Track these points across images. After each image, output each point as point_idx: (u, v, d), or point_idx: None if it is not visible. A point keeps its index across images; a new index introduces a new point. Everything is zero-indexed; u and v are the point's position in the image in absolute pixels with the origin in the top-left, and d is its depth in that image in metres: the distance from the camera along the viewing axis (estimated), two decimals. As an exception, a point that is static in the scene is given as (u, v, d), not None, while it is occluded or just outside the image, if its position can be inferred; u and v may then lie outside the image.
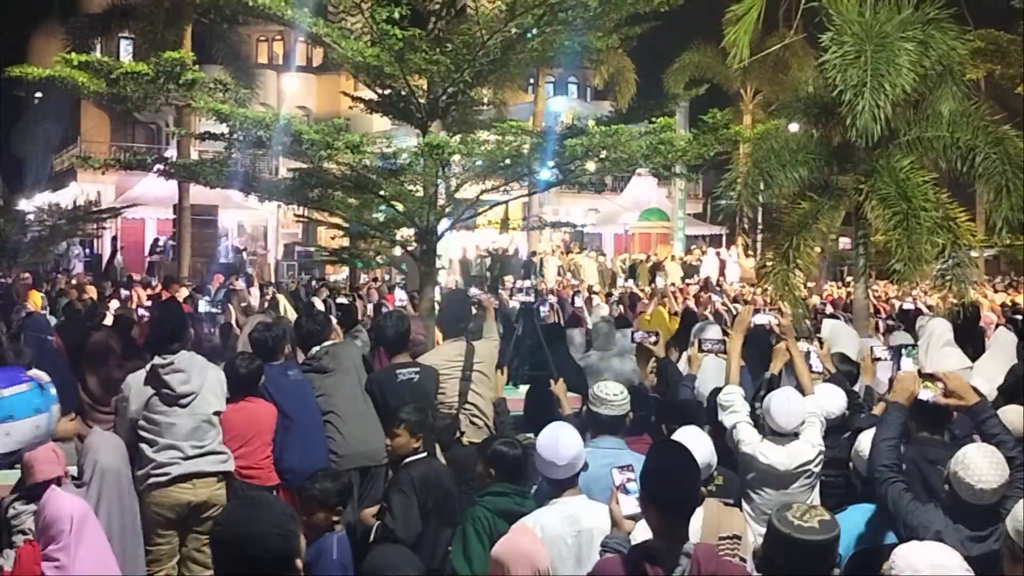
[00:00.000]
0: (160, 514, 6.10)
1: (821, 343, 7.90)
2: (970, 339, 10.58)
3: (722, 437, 6.00)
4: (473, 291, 11.50)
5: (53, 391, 4.95)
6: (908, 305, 16.56)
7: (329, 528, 5.28)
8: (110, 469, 5.46)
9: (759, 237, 30.08)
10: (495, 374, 7.59)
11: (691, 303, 17.60)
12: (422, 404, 6.24)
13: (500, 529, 4.94)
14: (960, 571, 3.40)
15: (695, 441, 4.89)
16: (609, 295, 21.05)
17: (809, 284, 18.42)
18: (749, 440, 5.86)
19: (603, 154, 10.23)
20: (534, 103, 36.55)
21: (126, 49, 35.15)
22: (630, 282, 27.67)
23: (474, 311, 8.99)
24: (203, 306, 11.53)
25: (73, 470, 5.71)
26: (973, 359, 9.42)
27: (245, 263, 30.82)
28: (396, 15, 9.25)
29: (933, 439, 5.53)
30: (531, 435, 6.52)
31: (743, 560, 5.11)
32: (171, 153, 24.48)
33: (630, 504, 4.15)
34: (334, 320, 9.40)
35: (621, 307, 17.67)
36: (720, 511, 5.09)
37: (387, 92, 10.78)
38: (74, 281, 21.51)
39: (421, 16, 10.32)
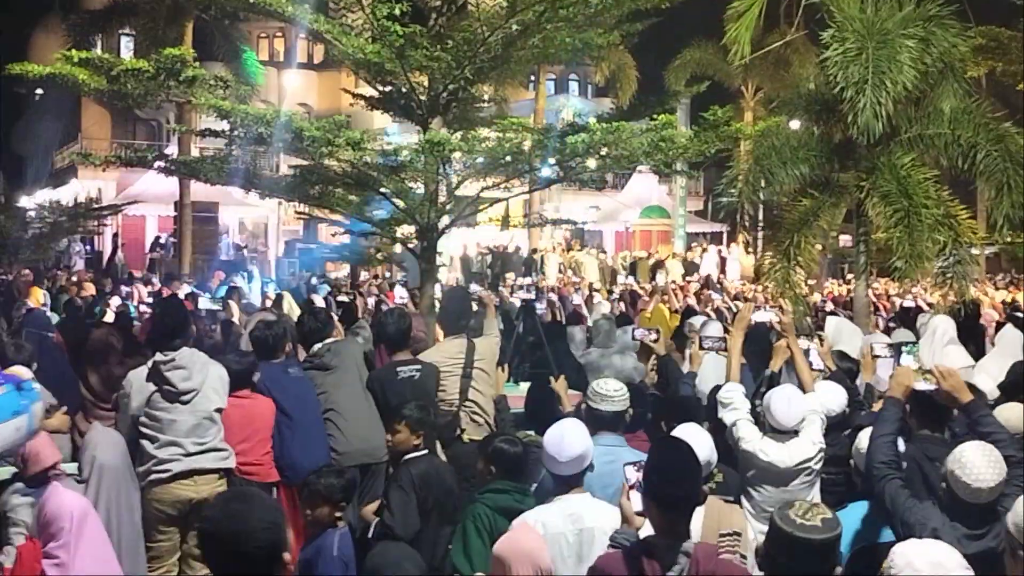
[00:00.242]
0: (161, 511, 6.10)
1: (821, 340, 7.89)
2: (971, 337, 10.58)
3: (722, 434, 6.00)
4: (474, 288, 11.47)
5: (36, 388, 4.91)
6: (909, 303, 16.55)
7: (332, 524, 5.27)
8: (109, 465, 5.46)
9: (760, 234, 30.10)
10: (496, 371, 7.59)
11: (692, 301, 17.60)
12: (423, 402, 6.24)
13: (500, 526, 4.94)
14: (959, 569, 3.39)
15: (695, 438, 4.88)
16: (610, 292, 21.05)
17: (810, 282, 18.41)
18: (749, 437, 5.86)
19: (604, 151, 10.24)
20: (535, 100, 36.52)
21: (127, 46, 35.13)
22: (631, 279, 27.62)
23: (475, 308, 8.98)
24: (204, 303, 11.53)
25: (72, 467, 5.71)
26: (974, 357, 9.42)
27: (246, 260, 30.82)
28: (397, 11, 9.26)
29: (934, 436, 5.53)
30: (531, 432, 6.54)
31: (743, 557, 5.11)
32: (172, 150, 24.46)
33: (641, 501, 4.15)
34: (335, 317, 9.40)
35: (622, 304, 17.67)
36: (720, 508, 5.09)
37: (388, 89, 10.78)
38: (75, 278, 21.51)
39: (422, 13, 10.32)
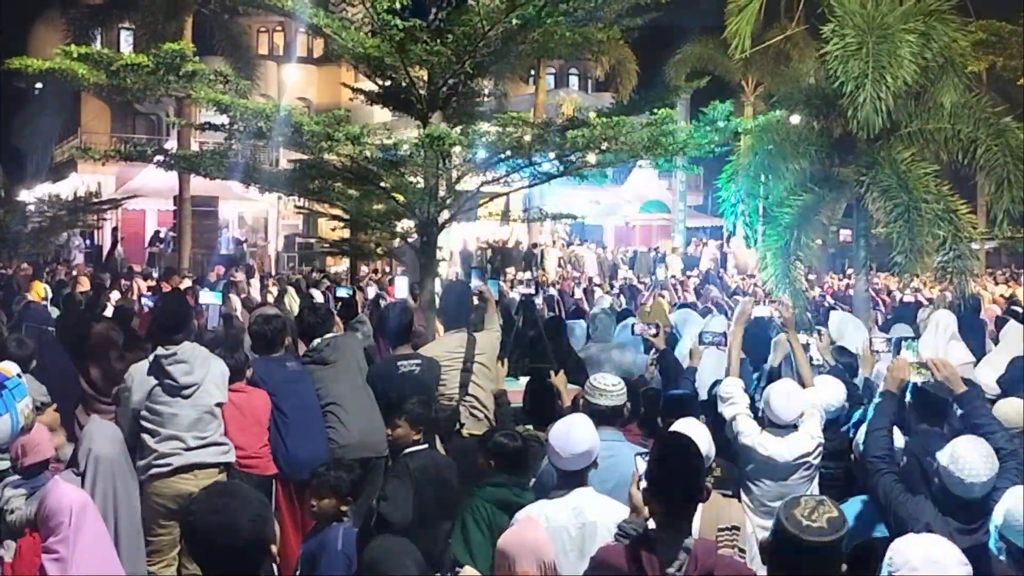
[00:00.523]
0: (161, 504, 6.11)
1: (821, 335, 7.90)
2: (971, 332, 10.58)
3: (721, 429, 6.01)
4: (475, 282, 11.44)
5: (23, 385, 4.89)
6: (908, 297, 16.55)
7: (337, 518, 5.27)
8: (105, 457, 5.45)
9: (760, 229, 30.07)
10: (496, 365, 7.59)
11: (690, 296, 17.60)
12: (424, 396, 6.24)
13: (499, 520, 4.94)
14: (958, 566, 3.38)
15: (693, 433, 4.89)
16: (611, 287, 21.05)
17: (810, 276, 18.42)
18: (748, 432, 5.87)
19: (604, 146, 10.22)
20: (535, 94, 36.50)
21: (126, 40, 35.15)
22: (630, 273, 27.64)
23: (475, 302, 8.98)
24: (204, 297, 11.52)
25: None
26: (974, 352, 9.42)
27: (245, 255, 30.83)
28: (397, 5, 9.25)
29: (933, 431, 5.55)
30: (530, 427, 6.55)
31: (742, 551, 5.13)
32: (171, 144, 24.52)
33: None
34: (334, 312, 9.40)
35: (622, 298, 17.67)
36: (719, 503, 5.10)
37: (388, 83, 10.77)
38: (74, 272, 21.52)
39: (422, 7, 10.30)
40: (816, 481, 5.90)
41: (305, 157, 10.82)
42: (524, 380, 8.22)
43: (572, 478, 4.69)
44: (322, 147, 9.77)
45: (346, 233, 13.83)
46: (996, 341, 10.99)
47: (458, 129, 10.34)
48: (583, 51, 12.82)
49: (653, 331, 8.47)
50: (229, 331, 10.57)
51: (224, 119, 9.97)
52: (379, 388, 7.13)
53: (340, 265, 26.80)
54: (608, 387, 5.60)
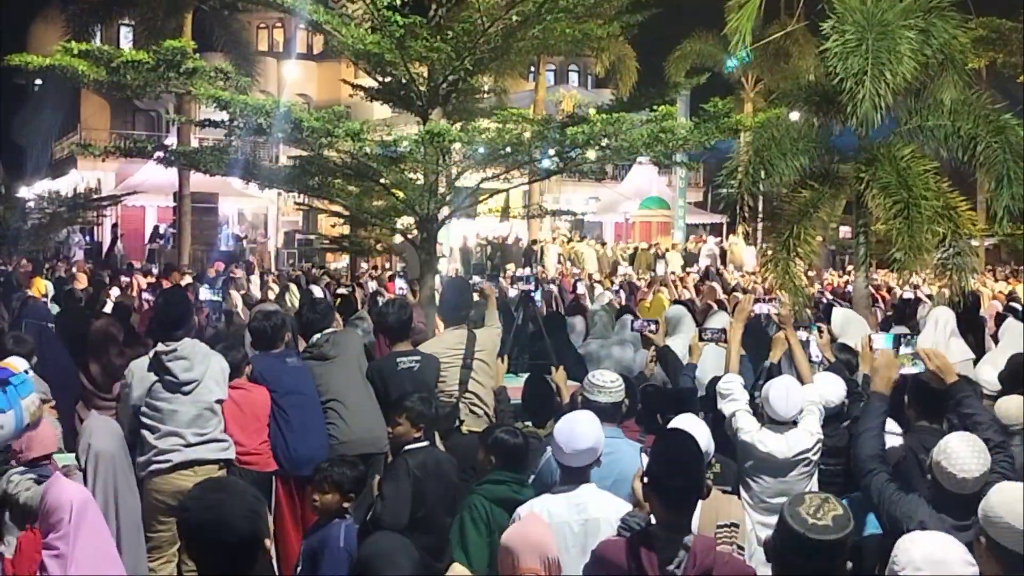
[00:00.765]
0: (161, 501, 6.11)
1: (821, 332, 7.89)
2: (971, 329, 10.58)
3: (721, 425, 6.01)
4: (475, 279, 11.47)
5: (29, 381, 4.90)
6: (908, 294, 16.55)
7: (339, 514, 5.26)
8: (105, 452, 5.46)
9: (760, 226, 30.09)
10: (496, 362, 7.59)
11: (689, 292, 17.57)
12: (425, 394, 6.24)
13: (497, 517, 4.95)
14: (962, 565, 3.38)
15: (692, 429, 4.89)
16: (611, 283, 21.05)
17: (810, 273, 18.42)
18: (748, 428, 5.87)
19: (604, 142, 10.23)
20: (535, 91, 36.49)
21: (126, 36, 35.14)
22: (630, 270, 27.65)
23: (476, 299, 8.98)
24: (204, 293, 11.53)
25: (69, 457, 5.72)
26: (973, 348, 9.43)
27: (245, 251, 30.83)
28: (397, 2, 9.24)
29: (932, 428, 5.55)
30: (529, 424, 6.56)
31: (741, 548, 5.13)
32: (171, 141, 24.46)
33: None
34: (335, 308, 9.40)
35: (622, 294, 17.67)
36: (718, 499, 5.11)
37: (388, 80, 10.77)
38: (74, 269, 21.53)
39: (422, 3, 10.30)
40: (815, 478, 5.90)
41: (305, 153, 10.83)
42: (524, 377, 8.24)
43: (575, 474, 4.70)
44: (322, 143, 9.77)
45: (346, 229, 13.84)
46: (995, 338, 11.00)
47: (458, 125, 10.37)
48: (583, 47, 12.83)
49: (652, 328, 8.46)
50: (229, 328, 10.58)
51: (224, 115, 9.97)
52: (379, 385, 7.13)
53: (340, 261, 26.81)
54: (606, 384, 5.61)
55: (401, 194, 10.50)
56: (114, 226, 34.25)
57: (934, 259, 12.04)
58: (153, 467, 6.13)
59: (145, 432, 6.20)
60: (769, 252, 13.14)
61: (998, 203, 12.15)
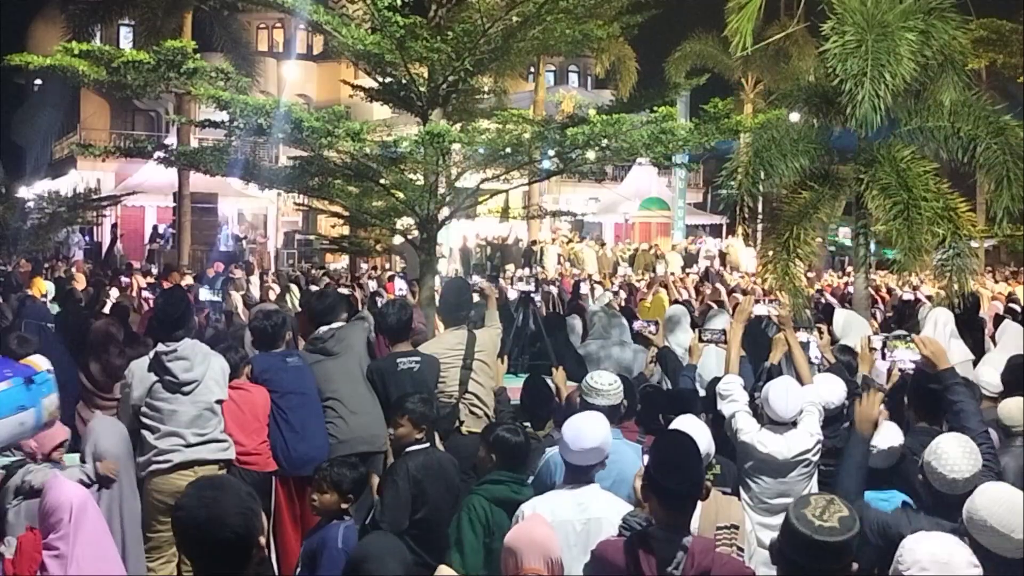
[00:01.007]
0: (161, 501, 6.11)
1: (821, 333, 7.90)
2: (970, 330, 10.59)
3: (721, 426, 6.01)
4: (475, 279, 11.48)
5: (51, 380, 4.93)
6: (908, 295, 16.55)
7: (338, 515, 5.26)
8: (111, 454, 5.47)
9: (759, 227, 30.07)
10: (496, 363, 7.59)
11: (688, 293, 17.58)
12: (426, 395, 6.24)
13: (497, 518, 4.95)
14: (966, 567, 3.37)
15: (692, 430, 4.90)
16: (611, 284, 21.06)
17: (809, 274, 18.42)
18: (747, 429, 5.87)
19: (604, 143, 10.23)
20: (535, 91, 36.49)
21: (126, 36, 35.15)
22: (630, 270, 27.66)
23: (475, 299, 8.98)
24: (204, 294, 11.53)
25: (73, 457, 5.73)
26: (973, 350, 9.43)
27: (245, 251, 30.82)
28: (397, 2, 9.24)
29: (931, 429, 5.55)
30: (528, 424, 6.56)
31: (740, 550, 5.13)
32: (171, 141, 24.45)
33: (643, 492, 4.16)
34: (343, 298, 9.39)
35: (622, 295, 17.67)
36: (718, 500, 5.10)
37: (388, 80, 10.77)
38: (73, 270, 21.53)
39: (422, 4, 10.31)
40: (815, 478, 5.90)
41: (305, 154, 10.83)
42: (524, 377, 8.25)
43: (581, 473, 4.70)
44: (322, 144, 9.77)
45: (346, 230, 13.84)
46: (995, 339, 10.99)
47: (458, 126, 10.37)
48: (583, 48, 12.82)
49: (652, 329, 8.46)
50: (229, 328, 10.59)
51: (224, 116, 9.97)
52: (378, 385, 7.13)
53: (339, 262, 26.80)
54: (604, 387, 5.62)
55: (401, 195, 10.50)
56: (114, 226, 34.24)
57: (934, 260, 12.04)
58: (153, 467, 6.13)
59: (145, 432, 6.20)
60: (769, 253, 13.14)
61: (998, 204, 12.15)
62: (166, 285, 15.33)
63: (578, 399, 5.95)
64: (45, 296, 14.80)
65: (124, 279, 18.10)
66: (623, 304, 15.28)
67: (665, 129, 9.99)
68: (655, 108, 10.21)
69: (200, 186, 27.01)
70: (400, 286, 12.42)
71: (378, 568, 3.83)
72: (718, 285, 18.95)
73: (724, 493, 5.32)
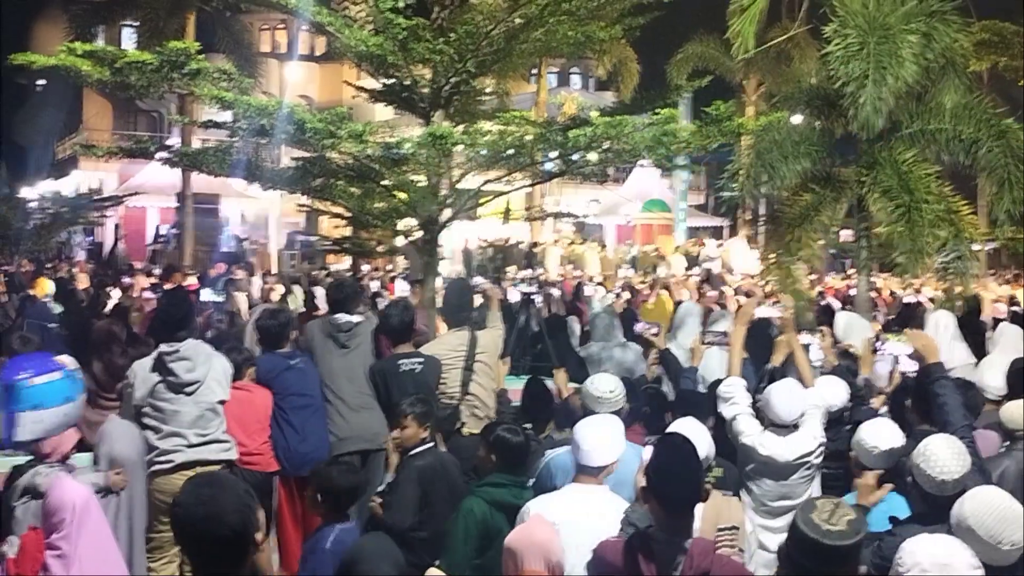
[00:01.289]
0: (163, 501, 6.11)
1: (823, 335, 7.90)
2: (972, 333, 10.58)
3: (723, 428, 6.02)
4: (477, 280, 11.49)
5: (80, 378, 5.02)
6: (910, 298, 16.55)
7: (337, 517, 5.25)
8: (128, 459, 5.51)
9: (761, 229, 30.07)
10: (498, 364, 7.59)
11: (690, 294, 17.57)
12: (424, 395, 6.25)
13: (496, 521, 4.96)
14: (967, 568, 3.37)
15: (691, 433, 4.89)
16: (612, 285, 21.06)
17: (811, 277, 18.44)
18: (749, 431, 5.87)
19: (606, 145, 10.21)
20: (537, 93, 36.49)
21: (129, 37, 35.16)
22: (632, 272, 27.66)
23: (478, 300, 8.98)
24: (206, 294, 11.55)
25: (83, 457, 5.74)
26: (976, 352, 9.42)
27: (246, 252, 30.84)
28: (400, 4, 9.24)
29: (933, 431, 5.54)
30: (528, 426, 6.57)
31: (741, 551, 5.14)
32: (174, 141, 24.50)
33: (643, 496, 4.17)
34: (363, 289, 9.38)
35: (627, 295, 17.66)
36: (719, 502, 5.11)
37: (390, 81, 10.76)
38: (75, 270, 21.55)
39: (425, 5, 10.30)
40: (817, 481, 5.91)
41: (307, 155, 10.81)
42: (525, 379, 8.25)
43: (589, 473, 4.71)
44: (324, 145, 9.76)
45: (347, 231, 13.82)
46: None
47: (460, 128, 10.35)
48: (585, 50, 12.81)
49: (654, 330, 8.46)
50: (232, 329, 10.60)
51: (226, 116, 9.97)
52: (380, 386, 7.14)
53: (341, 263, 26.80)
54: (605, 394, 5.63)
55: (403, 196, 10.49)
56: (116, 227, 34.30)
57: (935, 263, 12.05)
58: (155, 467, 6.15)
59: (147, 432, 6.21)
60: (771, 256, 13.15)
61: (999, 207, 12.17)
62: (168, 286, 15.35)
63: (579, 402, 5.96)
64: (48, 296, 14.81)
65: (126, 280, 18.11)
66: (625, 306, 15.27)
67: (667, 131, 9.97)
68: (657, 110, 10.19)
69: (202, 187, 27.06)
70: (402, 287, 12.43)
71: (370, 569, 3.85)
72: (723, 288, 18.92)
73: (724, 495, 5.32)
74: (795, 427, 5.81)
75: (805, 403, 5.88)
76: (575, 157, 10.77)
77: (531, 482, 5.45)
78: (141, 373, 6.36)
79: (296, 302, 13.67)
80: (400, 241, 12.22)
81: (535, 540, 4.24)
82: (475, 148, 10.20)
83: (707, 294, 17.21)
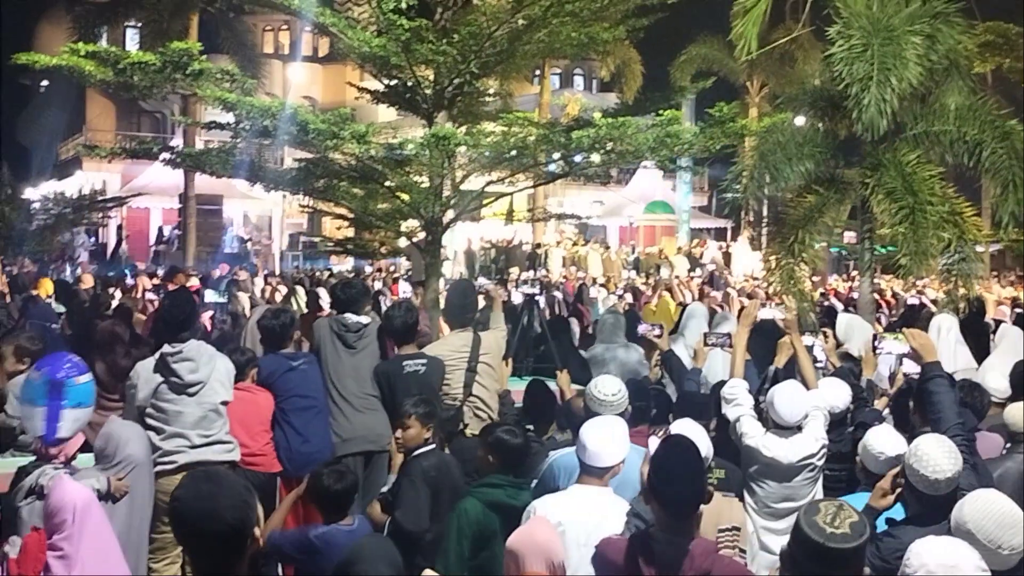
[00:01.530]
0: (165, 502, 6.09)
1: (826, 337, 7.89)
2: (976, 335, 10.57)
3: (727, 430, 6.01)
4: (481, 281, 11.49)
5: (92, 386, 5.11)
6: (913, 300, 16.54)
7: (335, 518, 5.25)
8: (140, 460, 5.53)
9: (764, 230, 30.08)
10: (501, 365, 7.58)
11: (692, 296, 17.57)
12: (427, 395, 6.24)
13: (490, 523, 4.95)
14: (974, 568, 3.37)
15: (690, 434, 4.88)
16: (615, 287, 21.07)
17: (814, 278, 18.43)
18: (752, 433, 5.87)
19: (609, 146, 10.21)
20: (540, 94, 36.52)
21: (132, 38, 35.20)
22: (633, 273, 27.68)
23: (481, 302, 8.97)
24: (210, 295, 11.55)
25: (86, 458, 5.73)
26: (980, 354, 9.41)
27: (249, 253, 30.87)
28: (403, 5, 9.24)
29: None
30: (531, 428, 6.57)
31: (743, 552, 5.14)
32: (177, 142, 24.52)
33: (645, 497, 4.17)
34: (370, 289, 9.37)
35: (627, 298, 17.67)
36: (719, 503, 5.10)
37: (393, 83, 10.76)
38: (79, 271, 21.58)
39: (428, 6, 10.30)
40: (820, 483, 5.90)
41: (310, 156, 10.82)
42: (528, 380, 8.24)
43: (593, 475, 4.71)
44: (327, 146, 9.77)
45: (350, 232, 13.82)
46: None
47: (463, 129, 10.35)
48: (588, 51, 12.79)
49: (657, 332, 8.45)
50: (235, 330, 10.60)
51: (230, 117, 9.97)
52: (384, 388, 7.13)
53: (344, 264, 26.83)
54: (608, 397, 5.62)
55: (406, 197, 10.49)
56: (119, 228, 34.34)
57: (939, 265, 12.03)
58: (158, 468, 6.13)
59: (150, 433, 6.20)
60: (774, 257, 13.14)
61: (1003, 208, 12.15)
62: (171, 287, 15.36)
63: (581, 403, 5.95)
64: (50, 297, 14.82)
65: (129, 280, 18.13)
66: (628, 307, 15.27)
67: (670, 132, 9.97)
68: (660, 111, 10.19)
69: (205, 188, 27.07)
70: (405, 288, 12.42)
71: (367, 570, 3.84)
72: (728, 290, 18.93)
73: (725, 496, 5.32)
74: (798, 429, 5.81)
75: (808, 405, 5.87)
76: (578, 158, 10.78)
77: (534, 483, 5.45)
78: (144, 374, 6.35)
79: (299, 303, 13.67)
80: (403, 242, 12.23)
81: (537, 541, 4.24)
82: (478, 149, 10.21)
83: (709, 295, 17.22)
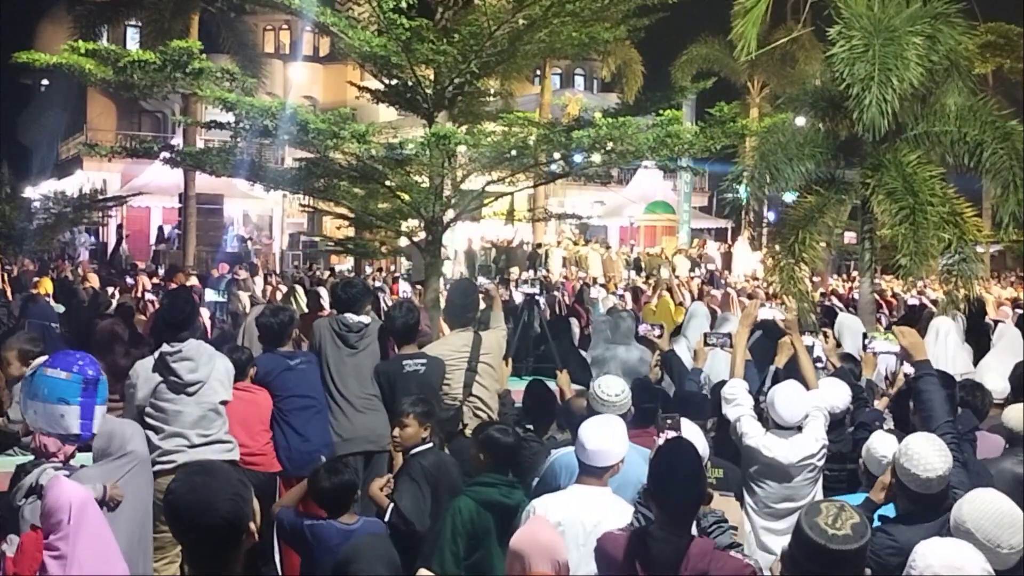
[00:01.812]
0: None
1: (827, 337, 7.89)
2: (977, 335, 10.57)
3: (727, 430, 6.01)
4: (481, 280, 11.48)
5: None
6: (914, 300, 16.53)
7: (335, 516, 5.25)
8: (144, 459, 5.52)
9: (764, 230, 30.10)
10: (501, 365, 7.57)
11: (693, 296, 17.57)
12: (425, 394, 6.24)
13: (484, 521, 4.94)
14: (979, 570, 3.38)
15: (687, 434, 4.88)
16: (615, 287, 21.07)
17: (815, 279, 18.42)
18: (752, 433, 5.86)
19: (609, 146, 10.22)
20: (540, 94, 36.51)
21: (133, 37, 35.18)
22: (633, 273, 27.67)
23: (481, 301, 8.96)
24: (210, 295, 11.55)
25: (85, 457, 5.73)
26: (979, 355, 9.41)
27: (250, 252, 30.85)
28: (403, 5, 9.24)
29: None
30: (531, 427, 6.56)
31: (739, 546, 5.13)
32: (177, 141, 24.48)
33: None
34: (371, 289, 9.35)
35: (627, 298, 17.67)
36: (716, 502, 5.09)
37: (394, 82, 10.76)
38: (80, 270, 21.56)
39: (428, 6, 10.30)
40: (820, 483, 5.90)
41: (311, 155, 10.83)
42: (528, 380, 8.23)
43: (594, 474, 4.70)
44: (328, 145, 9.78)
45: (351, 232, 13.83)
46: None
47: (464, 128, 10.35)
48: (589, 51, 12.79)
49: (657, 332, 8.44)
50: (236, 329, 10.59)
51: (230, 117, 9.98)
52: (385, 387, 7.12)
53: (344, 264, 26.81)
54: (611, 398, 5.61)
55: (406, 196, 10.49)
56: (119, 227, 34.33)
57: (940, 265, 12.03)
58: (157, 467, 6.11)
59: (149, 433, 6.18)
60: (774, 258, 13.13)
61: (1004, 209, 12.14)
62: (171, 286, 15.36)
63: (582, 403, 5.94)
64: (48, 296, 14.82)
65: (129, 280, 18.12)
66: (628, 307, 15.26)
67: (671, 132, 9.97)
68: (661, 111, 10.18)
69: (206, 187, 27.04)
70: (405, 288, 12.41)
71: (364, 569, 3.85)
72: (730, 291, 18.92)
73: (722, 495, 5.31)
74: (798, 429, 5.80)
75: (808, 405, 5.87)
76: (579, 158, 10.79)
77: (535, 482, 5.44)
78: (143, 373, 6.34)
79: (299, 302, 13.65)
80: (403, 242, 12.24)
81: (541, 542, 4.23)
82: (478, 149, 10.21)
83: (709, 295, 17.21)
